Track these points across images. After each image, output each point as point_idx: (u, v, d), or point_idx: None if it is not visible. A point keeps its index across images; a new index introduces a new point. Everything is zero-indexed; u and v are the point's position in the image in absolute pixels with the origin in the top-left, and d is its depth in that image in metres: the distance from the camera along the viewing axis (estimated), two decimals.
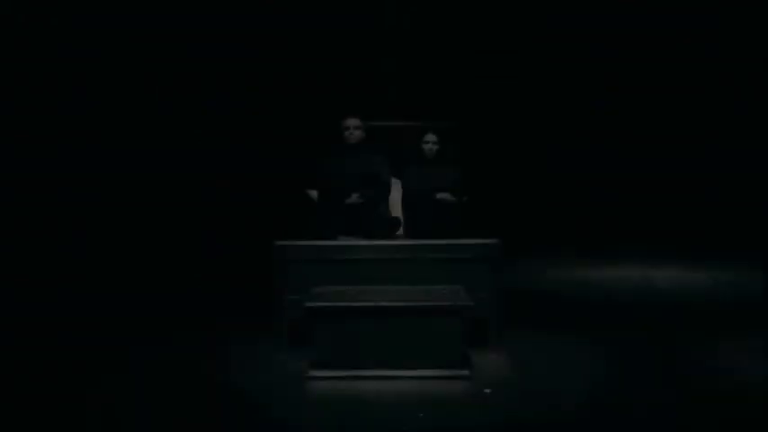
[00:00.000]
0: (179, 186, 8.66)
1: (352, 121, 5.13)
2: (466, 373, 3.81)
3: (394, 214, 5.24)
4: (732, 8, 8.95)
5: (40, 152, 7.30)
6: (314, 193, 5.31)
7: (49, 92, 7.43)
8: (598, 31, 9.61)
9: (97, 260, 6.81)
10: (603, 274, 6.93)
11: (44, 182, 7.19)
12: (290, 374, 3.90)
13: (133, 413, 3.38)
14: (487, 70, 9.45)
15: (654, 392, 3.61)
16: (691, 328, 4.89)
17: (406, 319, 3.84)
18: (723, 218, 8.66)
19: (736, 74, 9.23)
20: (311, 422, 3.30)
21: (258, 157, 9.11)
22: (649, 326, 4.97)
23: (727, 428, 3.14)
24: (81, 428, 3.23)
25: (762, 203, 8.06)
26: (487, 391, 3.62)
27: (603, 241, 8.58)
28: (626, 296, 6.00)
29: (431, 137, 5.25)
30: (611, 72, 9.78)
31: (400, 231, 5.05)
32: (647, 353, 4.33)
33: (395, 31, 9.13)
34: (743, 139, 9.20)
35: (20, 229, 6.71)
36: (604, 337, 4.64)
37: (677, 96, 9.53)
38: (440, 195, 5.13)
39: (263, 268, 4.45)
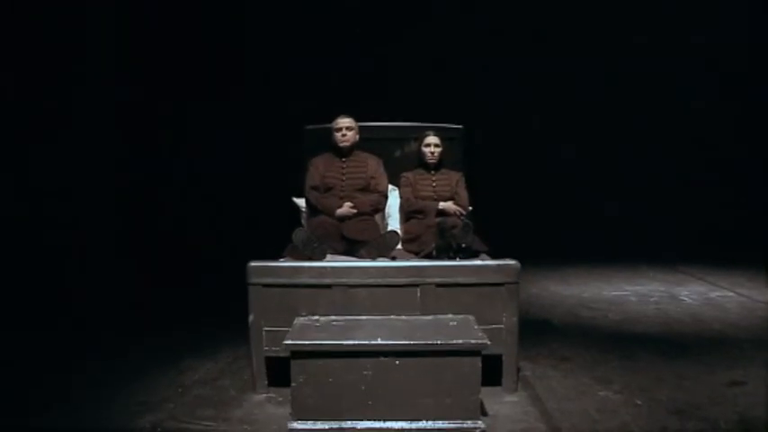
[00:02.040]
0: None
1: (345, 121, 4.55)
2: (480, 425, 3.14)
3: (391, 227, 4.57)
4: None
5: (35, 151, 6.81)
6: (300, 202, 4.72)
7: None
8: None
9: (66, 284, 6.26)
10: (621, 290, 6.28)
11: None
12: (267, 425, 3.25)
13: None
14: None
15: None
16: (730, 358, 4.23)
17: (408, 359, 3.15)
18: None
19: None
20: None
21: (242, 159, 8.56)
22: (682, 353, 4.32)
23: None
24: None
25: None
26: None
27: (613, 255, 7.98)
28: (650, 316, 5.34)
29: (432, 139, 4.63)
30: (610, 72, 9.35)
31: (399, 247, 4.36)
32: (686, 387, 3.69)
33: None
34: None
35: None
36: (635, 370, 3.99)
37: None
38: (443, 205, 4.50)
39: (238, 293, 3.75)
